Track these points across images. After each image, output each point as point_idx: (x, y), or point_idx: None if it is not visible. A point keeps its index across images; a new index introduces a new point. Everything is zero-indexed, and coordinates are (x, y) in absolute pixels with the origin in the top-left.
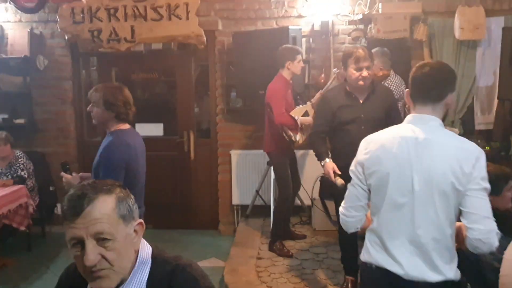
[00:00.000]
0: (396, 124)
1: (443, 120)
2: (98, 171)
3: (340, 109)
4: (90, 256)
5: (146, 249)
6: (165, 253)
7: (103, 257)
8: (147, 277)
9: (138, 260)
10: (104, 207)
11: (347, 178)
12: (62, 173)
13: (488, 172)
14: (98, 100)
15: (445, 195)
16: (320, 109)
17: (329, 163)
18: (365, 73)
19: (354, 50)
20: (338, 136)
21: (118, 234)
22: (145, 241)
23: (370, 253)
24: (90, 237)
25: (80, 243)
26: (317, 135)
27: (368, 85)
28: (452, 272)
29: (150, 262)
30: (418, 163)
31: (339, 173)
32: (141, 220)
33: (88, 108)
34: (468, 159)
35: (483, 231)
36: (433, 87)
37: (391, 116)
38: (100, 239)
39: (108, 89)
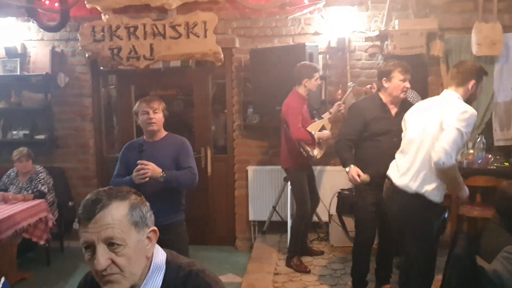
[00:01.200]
0: None
1: None
2: (179, 160)
3: (374, 120)
4: (100, 260)
5: (160, 255)
6: (179, 259)
7: (113, 262)
8: (161, 282)
9: (152, 266)
10: (117, 213)
11: (374, 189)
12: (141, 161)
13: (506, 191)
14: (163, 108)
15: None
16: (351, 118)
17: (354, 168)
18: (408, 84)
19: (397, 62)
20: (369, 147)
21: (129, 240)
22: (159, 247)
23: None
24: (101, 241)
25: (91, 247)
26: (344, 143)
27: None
28: None
29: (164, 268)
30: None
31: (363, 175)
32: (155, 228)
33: (150, 115)
34: None
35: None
36: None
37: None
38: (111, 244)
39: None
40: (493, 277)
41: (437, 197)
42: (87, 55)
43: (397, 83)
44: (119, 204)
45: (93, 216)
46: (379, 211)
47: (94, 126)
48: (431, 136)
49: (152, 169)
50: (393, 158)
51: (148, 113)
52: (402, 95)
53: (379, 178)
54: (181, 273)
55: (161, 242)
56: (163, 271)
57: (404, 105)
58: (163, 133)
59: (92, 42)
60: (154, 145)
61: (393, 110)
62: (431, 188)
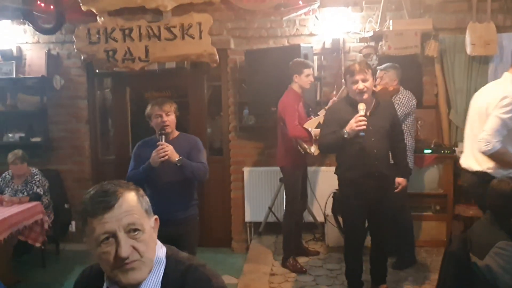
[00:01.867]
0: (398, 134)
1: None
2: (191, 156)
3: (347, 123)
4: (124, 248)
5: (160, 249)
6: (178, 253)
7: (134, 248)
8: (162, 276)
9: (154, 260)
10: (132, 200)
11: (358, 189)
12: (161, 142)
13: (496, 188)
14: (174, 109)
15: None
16: (327, 120)
17: (348, 124)
18: (360, 85)
19: (350, 65)
20: (348, 150)
21: (145, 226)
22: (159, 241)
23: None
24: (122, 229)
25: (111, 237)
26: (325, 136)
27: (371, 98)
28: None
29: (164, 262)
30: None
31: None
32: (156, 216)
33: (164, 118)
34: None
35: None
36: None
37: (395, 126)
38: (132, 230)
39: None
40: (486, 273)
41: None
42: (82, 58)
43: (349, 86)
44: (129, 193)
45: (113, 205)
46: (367, 211)
47: (89, 129)
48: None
49: (171, 150)
50: (373, 157)
51: (161, 116)
52: (358, 97)
53: (361, 178)
54: (181, 267)
55: (178, 235)
56: (164, 264)
57: (381, 104)
58: (176, 133)
59: (87, 45)
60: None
61: (368, 110)
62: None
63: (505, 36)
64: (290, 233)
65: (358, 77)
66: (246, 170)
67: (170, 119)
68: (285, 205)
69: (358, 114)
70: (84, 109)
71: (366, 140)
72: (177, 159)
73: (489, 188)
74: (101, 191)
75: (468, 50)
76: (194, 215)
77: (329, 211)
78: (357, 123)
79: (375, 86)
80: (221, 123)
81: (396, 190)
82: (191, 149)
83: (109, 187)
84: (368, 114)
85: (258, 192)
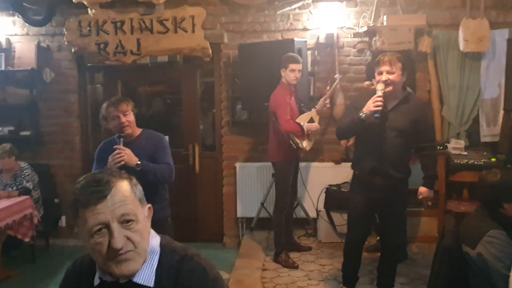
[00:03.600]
0: (424, 140)
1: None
2: (156, 157)
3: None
4: (118, 239)
5: (154, 238)
6: (173, 243)
7: (128, 239)
8: (156, 265)
9: (148, 250)
10: (125, 190)
11: (363, 185)
12: (118, 146)
13: (502, 181)
14: (132, 107)
15: None
16: (348, 108)
17: (366, 105)
18: (384, 77)
19: (379, 56)
20: (361, 141)
21: (139, 216)
22: (153, 231)
23: None
24: (116, 220)
25: (105, 228)
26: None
27: (397, 93)
28: None
29: (159, 251)
30: None
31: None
32: (150, 205)
33: (121, 120)
34: None
35: None
36: None
37: (419, 129)
38: (125, 221)
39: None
40: (477, 261)
41: None
42: (73, 50)
43: (376, 76)
44: (122, 182)
45: (106, 196)
46: (372, 210)
47: (80, 123)
48: None
49: (128, 154)
50: (380, 154)
51: (119, 117)
52: (383, 88)
53: (367, 173)
54: (176, 256)
55: None
56: (158, 254)
57: (410, 102)
58: (137, 131)
59: (78, 37)
60: (129, 145)
61: (390, 105)
62: None
63: (498, 33)
64: (281, 228)
65: (383, 68)
66: (238, 165)
67: (129, 119)
68: (275, 200)
69: (376, 95)
70: (75, 103)
71: (378, 135)
72: (136, 163)
73: (478, 180)
74: (93, 181)
75: (461, 46)
76: (164, 217)
77: (321, 206)
78: (374, 102)
79: (372, 83)
80: (214, 119)
81: (419, 197)
82: (156, 148)
83: (101, 176)
84: (389, 108)
85: (250, 188)
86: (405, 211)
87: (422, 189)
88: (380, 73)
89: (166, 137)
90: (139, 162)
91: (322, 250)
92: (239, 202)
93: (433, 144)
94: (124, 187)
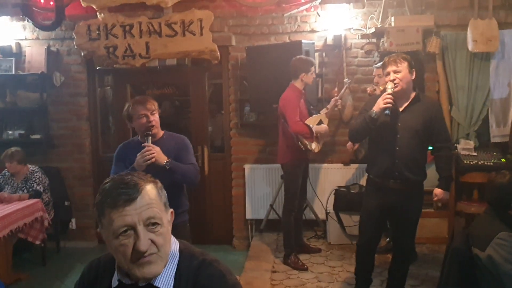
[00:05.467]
0: (440, 140)
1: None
2: (180, 158)
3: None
4: (144, 241)
5: (173, 243)
6: (192, 248)
7: (153, 242)
8: (175, 270)
9: (169, 254)
10: (152, 194)
11: (377, 188)
12: (147, 144)
13: (511, 182)
14: (156, 108)
15: None
16: (361, 111)
17: (376, 104)
18: (392, 76)
19: (385, 58)
20: (374, 143)
21: (164, 220)
22: (172, 235)
23: None
24: (142, 222)
25: (131, 230)
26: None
27: (407, 93)
28: None
29: (178, 256)
30: None
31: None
32: (172, 210)
33: (150, 118)
34: None
35: None
36: None
37: (433, 129)
38: (151, 224)
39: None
40: (487, 264)
41: None
42: (82, 54)
43: (384, 78)
44: (149, 186)
45: (134, 198)
46: (386, 214)
47: (90, 126)
48: None
49: (158, 152)
50: (394, 155)
51: (146, 116)
52: (390, 88)
53: (381, 176)
54: (195, 261)
55: None
56: (177, 259)
57: (422, 102)
58: (161, 133)
59: (87, 41)
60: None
61: (402, 105)
62: None
63: (507, 33)
64: (290, 230)
65: (390, 68)
66: (247, 167)
67: (156, 118)
68: (284, 202)
69: (386, 92)
70: (84, 106)
71: (391, 137)
72: (165, 161)
73: (488, 181)
74: (122, 182)
75: (470, 46)
76: (183, 222)
77: (330, 208)
78: (383, 100)
79: (374, 89)
80: (222, 121)
81: (434, 199)
82: (180, 149)
83: (130, 179)
84: (401, 109)
85: (259, 190)
86: (419, 215)
87: (438, 191)
88: (388, 74)
89: None
90: (168, 161)
91: (332, 252)
92: (248, 204)
93: (448, 145)
94: (151, 190)
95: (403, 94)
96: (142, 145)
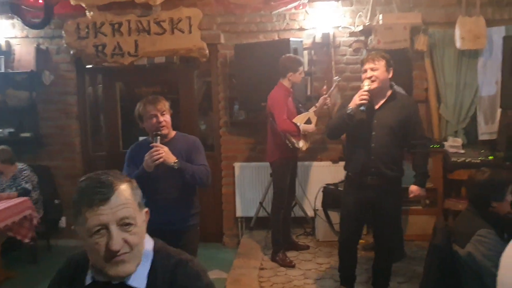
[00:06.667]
0: (415, 137)
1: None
2: (191, 158)
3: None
4: (116, 241)
5: (148, 242)
6: (167, 247)
7: (126, 241)
8: (148, 269)
9: (142, 253)
10: (126, 193)
11: (355, 185)
12: (155, 144)
13: (491, 179)
14: (168, 107)
15: None
16: (340, 109)
17: (353, 99)
18: (369, 73)
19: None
20: (350, 140)
21: (138, 219)
22: (147, 234)
23: None
24: (115, 222)
25: (104, 229)
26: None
27: (384, 91)
28: None
29: (151, 255)
30: None
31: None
32: (147, 209)
33: (160, 119)
34: None
35: None
36: None
37: (409, 126)
38: (124, 224)
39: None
40: (468, 260)
41: None
42: (71, 53)
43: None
44: (124, 185)
45: (109, 198)
46: (365, 210)
47: (79, 125)
48: None
49: (166, 152)
50: (370, 152)
51: (156, 116)
52: (365, 86)
53: (358, 173)
54: (172, 260)
55: (175, 247)
56: (151, 258)
57: (397, 99)
58: (172, 133)
59: (76, 39)
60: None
61: (378, 103)
62: None
63: (495, 30)
64: (278, 227)
65: (367, 65)
66: (237, 165)
67: (166, 118)
68: (273, 200)
69: (362, 89)
70: (74, 105)
71: (367, 134)
72: (173, 161)
73: (468, 179)
74: (97, 181)
75: (458, 44)
76: (195, 225)
77: (319, 205)
78: (359, 96)
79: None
80: (212, 117)
81: (410, 196)
82: (191, 150)
83: (105, 178)
84: (377, 107)
85: (249, 188)
86: (399, 211)
87: (413, 187)
88: (365, 71)
89: None
90: (176, 161)
91: (320, 248)
92: (238, 202)
93: (424, 142)
94: (126, 190)
95: (380, 92)
96: (151, 145)
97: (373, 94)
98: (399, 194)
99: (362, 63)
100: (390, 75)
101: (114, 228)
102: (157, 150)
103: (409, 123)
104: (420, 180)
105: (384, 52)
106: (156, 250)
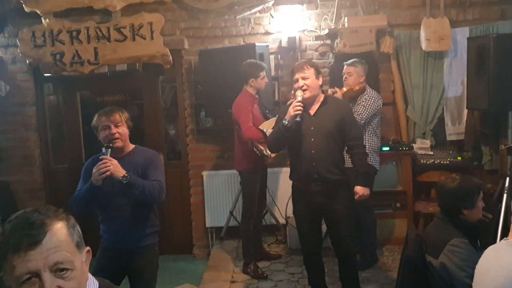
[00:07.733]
0: (353, 138)
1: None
2: (147, 174)
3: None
4: None
5: (92, 284)
6: (113, 286)
7: None
8: None
9: None
10: (61, 234)
11: (301, 194)
12: (104, 156)
13: (460, 186)
14: (126, 119)
15: None
16: (277, 121)
17: (288, 111)
18: (300, 83)
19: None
20: (291, 150)
21: (76, 263)
22: (91, 275)
23: None
24: (48, 268)
25: (35, 277)
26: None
27: (316, 97)
28: None
29: None
30: None
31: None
32: (89, 248)
33: (112, 130)
34: None
35: None
36: None
37: (345, 128)
38: (59, 270)
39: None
40: (441, 271)
41: None
42: (28, 62)
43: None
44: (59, 224)
45: (39, 241)
46: (317, 217)
47: (39, 136)
48: None
49: (115, 165)
50: (311, 159)
51: (109, 127)
52: (299, 95)
53: (302, 181)
54: None
55: (132, 269)
56: None
57: (329, 103)
58: (130, 147)
59: (32, 48)
60: (120, 160)
61: (312, 110)
62: None
63: (459, 31)
64: (249, 238)
65: (298, 75)
66: (205, 174)
67: (121, 130)
68: (242, 210)
69: (296, 100)
70: (32, 116)
71: (306, 141)
72: (122, 175)
73: (437, 186)
74: (26, 222)
75: (423, 45)
76: (152, 244)
77: (290, 212)
78: (293, 108)
79: (335, 91)
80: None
81: (356, 197)
82: (147, 165)
83: (35, 217)
84: (312, 113)
85: (218, 197)
86: (350, 214)
87: (357, 188)
88: (296, 81)
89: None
90: (126, 175)
91: (292, 257)
92: (207, 212)
93: (360, 142)
94: (60, 230)
95: (313, 99)
96: (100, 157)
97: (307, 102)
98: (345, 197)
99: (293, 73)
100: (320, 82)
101: (46, 276)
102: (105, 163)
103: (345, 125)
104: (362, 180)
105: (313, 61)
106: None
